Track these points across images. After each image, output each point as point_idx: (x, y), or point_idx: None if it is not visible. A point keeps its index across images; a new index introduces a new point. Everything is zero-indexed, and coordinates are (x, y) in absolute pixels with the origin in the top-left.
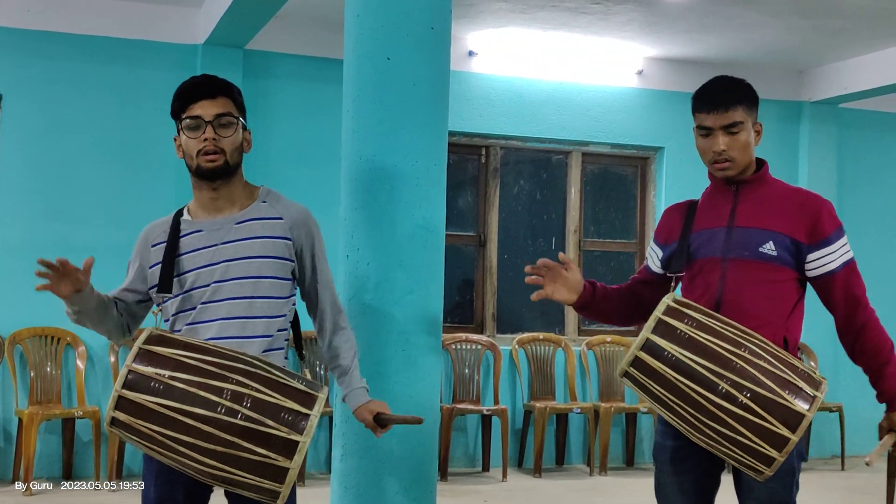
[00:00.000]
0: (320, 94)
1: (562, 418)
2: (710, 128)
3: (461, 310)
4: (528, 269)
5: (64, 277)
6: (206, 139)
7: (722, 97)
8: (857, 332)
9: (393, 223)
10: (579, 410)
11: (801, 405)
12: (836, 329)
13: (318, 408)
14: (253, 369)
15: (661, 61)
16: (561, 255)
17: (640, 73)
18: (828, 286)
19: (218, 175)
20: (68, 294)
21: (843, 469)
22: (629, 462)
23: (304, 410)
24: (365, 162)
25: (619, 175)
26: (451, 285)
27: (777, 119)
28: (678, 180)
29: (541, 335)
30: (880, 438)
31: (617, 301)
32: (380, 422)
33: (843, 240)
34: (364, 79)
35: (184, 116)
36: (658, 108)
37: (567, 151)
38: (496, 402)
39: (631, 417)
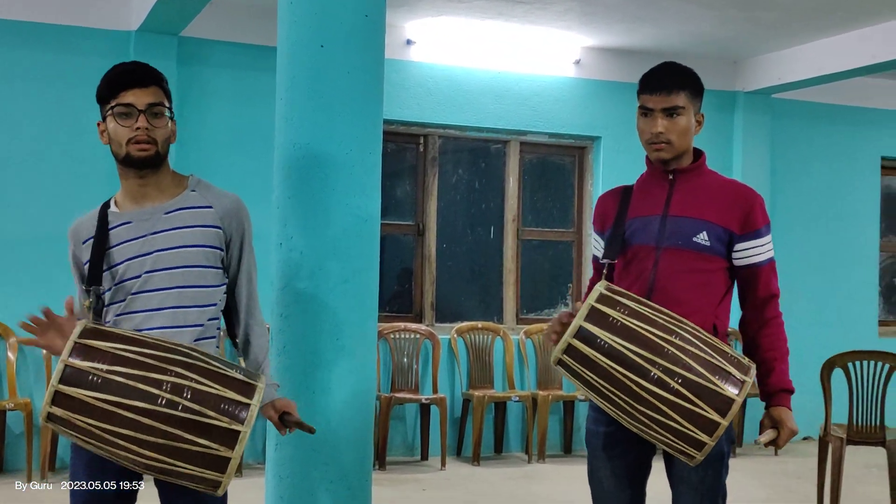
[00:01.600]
0: (255, 82)
1: (500, 406)
2: (651, 109)
3: (400, 299)
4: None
5: (49, 328)
6: (138, 128)
7: (666, 80)
8: (763, 324)
9: (327, 212)
10: (517, 399)
11: (730, 390)
12: (743, 320)
13: (258, 397)
14: (191, 360)
15: (599, 51)
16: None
17: (577, 62)
18: (751, 278)
19: (148, 164)
20: (60, 349)
21: (776, 454)
22: (567, 449)
23: (244, 400)
24: (299, 150)
25: (556, 164)
26: (389, 274)
27: (712, 109)
28: (615, 170)
29: (479, 324)
30: (760, 433)
31: None
32: (285, 422)
33: (770, 237)
34: (298, 66)
35: (114, 103)
36: (595, 98)
37: (505, 141)
38: (435, 390)
39: (568, 405)
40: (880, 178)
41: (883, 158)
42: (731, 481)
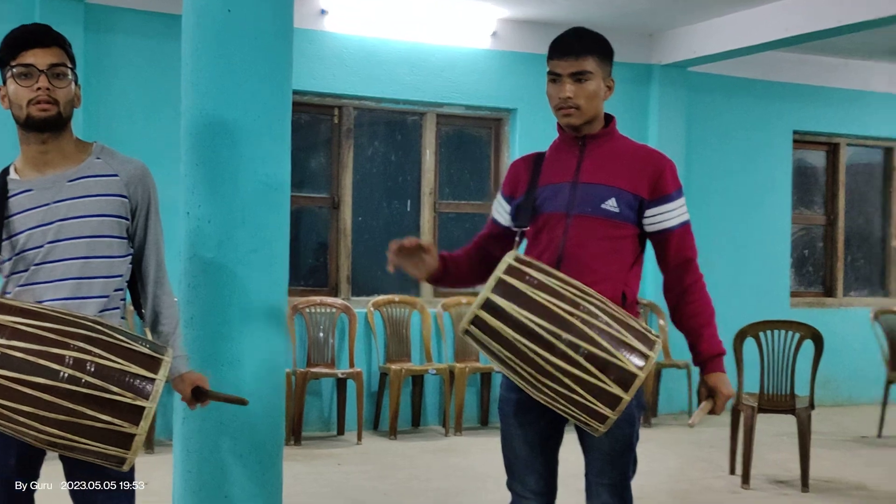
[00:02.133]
0: (163, 49)
1: (417, 380)
2: (559, 74)
3: (315, 273)
4: (392, 247)
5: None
6: (38, 88)
7: (574, 45)
8: (683, 291)
9: (235, 180)
10: (435, 371)
11: (634, 364)
12: (664, 288)
13: (164, 371)
14: (94, 334)
15: (515, 23)
16: (424, 243)
17: (493, 34)
18: (664, 243)
19: (49, 126)
20: None
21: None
22: (484, 421)
23: (149, 375)
24: (206, 116)
25: (473, 136)
26: (305, 248)
27: (628, 81)
28: (532, 141)
29: (396, 297)
30: (699, 403)
31: (468, 266)
32: (197, 395)
33: (682, 201)
34: (204, 31)
35: (14, 64)
36: (512, 70)
37: (421, 113)
38: (351, 365)
39: (486, 377)
40: (792, 151)
41: (795, 132)
42: (645, 451)
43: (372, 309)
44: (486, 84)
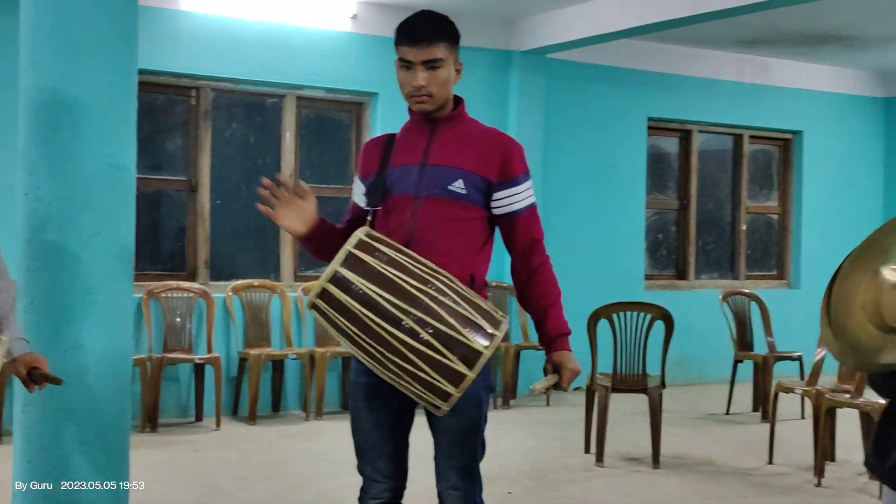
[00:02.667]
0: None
1: (277, 365)
2: (411, 61)
3: (174, 257)
4: (264, 182)
5: None
6: None
7: (425, 32)
8: (531, 273)
9: (77, 160)
10: (295, 356)
11: (479, 343)
12: (512, 270)
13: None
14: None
15: (375, 6)
16: (300, 182)
17: (354, 17)
18: (511, 226)
19: None
20: None
21: (548, 405)
22: (345, 405)
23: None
24: (46, 94)
25: (334, 120)
26: (161, 232)
27: (488, 68)
28: (393, 126)
29: (256, 282)
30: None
31: (338, 240)
32: (33, 377)
33: (529, 184)
34: (43, 5)
35: None
36: (372, 54)
37: (281, 95)
38: (209, 350)
39: (347, 362)
40: (647, 137)
41: (649, 119)
42: (503, 432)
43: (231, 293)
44: (346, 67)
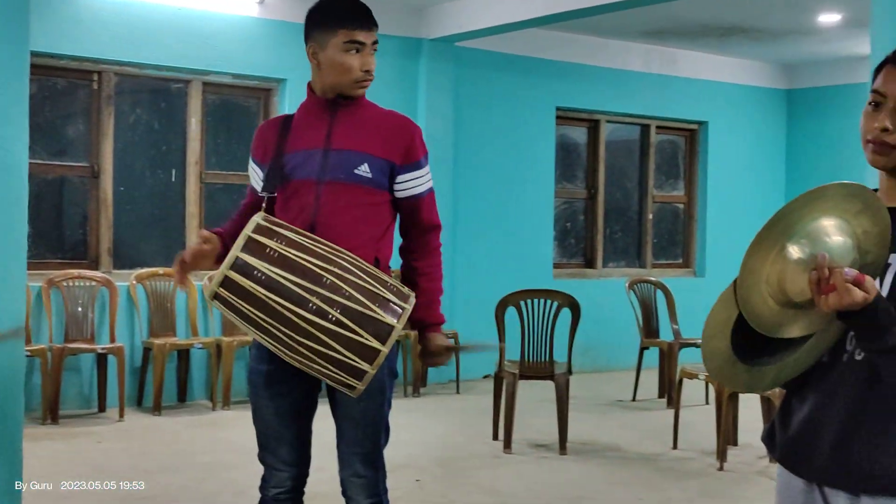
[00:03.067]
0: None
1: (183, 354)
2: (363, 43)
3: (75, 245)
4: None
5: None
6: None
7: (370, 14)
8: (427, 253)
9: None
10: (201, 346)
11: (390, 318)
12: (405, 249)
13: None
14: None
15: None
16: (198, 247)
17: (261, 2)
18: (413, 209)
19: None
20: None
21: (458, 392)
22: None
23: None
24: None
25: (241, 106)
26: (63, 220)
27: (397, 55)
28: None
29: (161, 270)
30: (422, 360)
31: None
32: None
33: (428, 167)
34: None
35: None
36: (280, 40)
37: (187, 80)
38: (112, 340)
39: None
40: (555, 127)
41: (558, 108)
42: (413, 421)
43: (135, 282)
44: (254, 53)
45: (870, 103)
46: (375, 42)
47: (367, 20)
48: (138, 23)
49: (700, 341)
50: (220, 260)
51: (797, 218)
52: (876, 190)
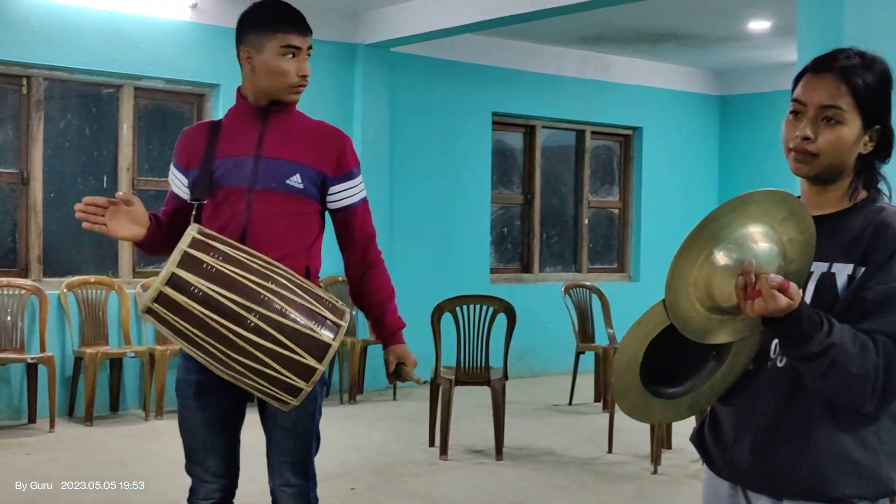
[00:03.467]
0: None
1: (115, 363)
2: (299, 48)
3: (4, 253)
4: (77, 207)
5: None
6: None
7: (305, 21)
8: (367, 268)
9: None
10: (134, 354)
11: (326, 335)
12: (346, 265)
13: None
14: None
15: None
16: (119, 193)
17: (194, 6)
18: (347, 220)
19: None
20: None
21: (394, 399)
22: None
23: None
24: None
25: (174, 111)
26: None
27: (333, 61)
28: None
29: (92, 278)
30: (390, 371)
31: (165, 233)
32: None
33: (361, 178)
34: None
35: None
36: (214, 44)
37: (118, 85)
38: (42, 349)
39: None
40: (492, 132)
41: (494, 114)
42: (349, 428)
43: (66, 290)
44: (187, 58)
45: (791, 112)
46: (310, 47)
47: (302, 25)
48: (68, 27)
49: None
50: (147, 237)
51: (724, 224)
52: (798, 197)
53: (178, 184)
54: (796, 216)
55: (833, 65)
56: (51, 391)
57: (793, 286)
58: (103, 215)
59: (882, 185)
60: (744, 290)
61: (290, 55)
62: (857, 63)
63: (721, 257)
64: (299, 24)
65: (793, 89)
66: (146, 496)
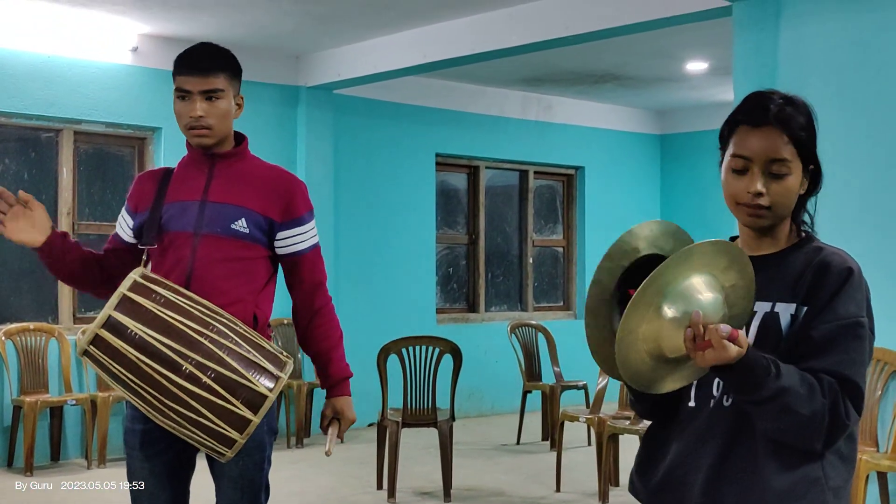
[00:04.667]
0: None
1: (56, 411)
2: (189, 91)
3: None
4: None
5: None
6: None
7: (204, 62)
8: (314, 314)
9: None
10: (74, 402)
11: (265, 385)
12: (294, 309)
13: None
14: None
15: (157, 39)
16: (21, 192)
17: (134, 49)
18: (295, 266)
19: None
20: None
21: (341, 441)
22: None
23: None
24: None
25: (115, 155)
26: None
27: (275, 103)
28: (177, 160)
29: (32, 325)
30: (323, 425)
31: (82, 262)
32: None
33: (313, 223)
34: None
35: None
36: (154, 87)
37: (58, 129)
38: None
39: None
40: (435, 172)
41: (438, 154)
42: (297, 472)
43: (3, 338)
44: (127, 101)
45: (734, 169)
46: (210, 91)
47: (194, 68)
48: (6, 70)
49: (580, 383)
50: (50, 253)
51: (670, 278)
52: (735, 237)
53: (124, 225)
54: (737, 263)
55: (768, 116)
56: None
57: (741, 335)
58: (5, 213)
59: (805, 217)
60: (693, 342)
61: (182, 98)
62: (789, 110)
63: (669, 311)
64: (190, 67)
65: (722, 136)
66: None
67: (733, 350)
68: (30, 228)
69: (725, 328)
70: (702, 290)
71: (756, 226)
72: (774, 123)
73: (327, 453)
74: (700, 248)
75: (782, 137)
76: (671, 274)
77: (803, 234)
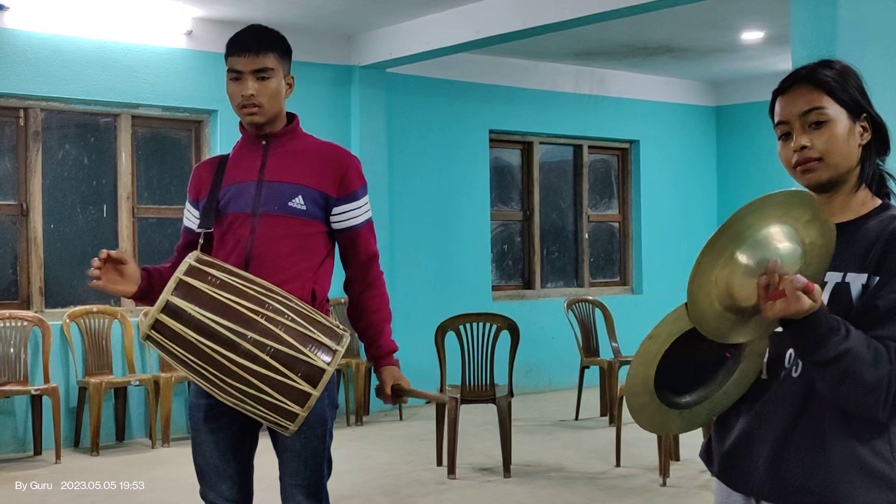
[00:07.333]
0: None
1: (120, 392)
2: (240, 71)
3: (6, 285)
4: (94, 263)
5: None
6: None
7: (254, 42)
8: (367, 285)
9: None
10: (138, 383)
11: (322, 360)
12: (347, 282)
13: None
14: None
15: (211, 22)
16: (113, 253)
17: (189, 33)
18: (350, 240)
19: None
20: None
21: (401, 419)
22: None
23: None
24: None
25: (172, 139)
26: None
27: (328, 83)
28: (233, 144)
29: (95, 308)
30: (387, 393)
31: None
32: None
33: (367, 198)
34: None
35: None
36: (210, 71)
37: (116, 114)
38: (46, 380)
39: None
40: (489, 149)
41: (491, 131)
42: (357, 450)
43: (68, 321)
44: (183, 85)
45: (780, 137)
46: (260, 70)
47: (243, 48)
48: (64, 57)
49: None
50: (144, 296)
51: (749, 223)
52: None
53: (191, 217)
54: (819, 220)
55: (796, 78)
56: (55, 422)
57: (816, 288)
58: (100, 268)
59: (891, 184)
60: (765, 290)
61: (235, 79)
62: (815, 66)
63: (744, 257)
64: (240, 48)
65: (770, 114)
66: None
67: (806, 303)
68: (121, 280)
69: (801, 279)
70: (780, 239)
71: (815, 182)
72: (802, 81)
73: (442, 400)
74: (782, 197)
75: (811, 90)
76: (751, 219)
77: (881, 203)
